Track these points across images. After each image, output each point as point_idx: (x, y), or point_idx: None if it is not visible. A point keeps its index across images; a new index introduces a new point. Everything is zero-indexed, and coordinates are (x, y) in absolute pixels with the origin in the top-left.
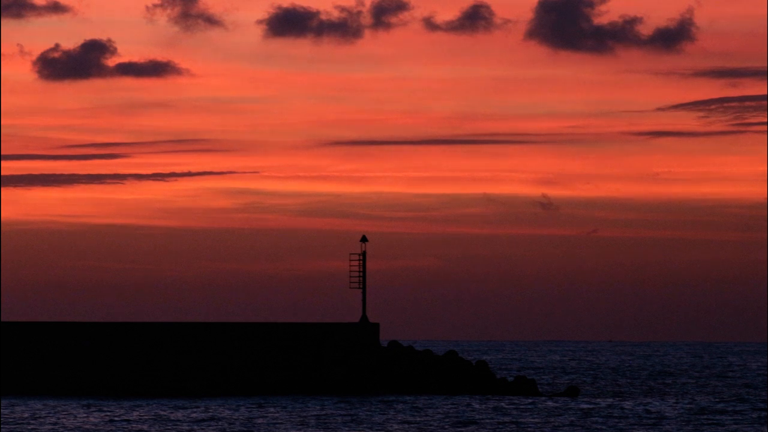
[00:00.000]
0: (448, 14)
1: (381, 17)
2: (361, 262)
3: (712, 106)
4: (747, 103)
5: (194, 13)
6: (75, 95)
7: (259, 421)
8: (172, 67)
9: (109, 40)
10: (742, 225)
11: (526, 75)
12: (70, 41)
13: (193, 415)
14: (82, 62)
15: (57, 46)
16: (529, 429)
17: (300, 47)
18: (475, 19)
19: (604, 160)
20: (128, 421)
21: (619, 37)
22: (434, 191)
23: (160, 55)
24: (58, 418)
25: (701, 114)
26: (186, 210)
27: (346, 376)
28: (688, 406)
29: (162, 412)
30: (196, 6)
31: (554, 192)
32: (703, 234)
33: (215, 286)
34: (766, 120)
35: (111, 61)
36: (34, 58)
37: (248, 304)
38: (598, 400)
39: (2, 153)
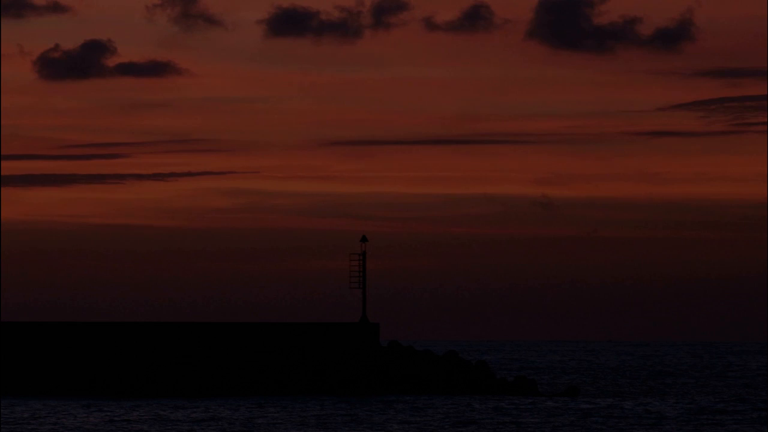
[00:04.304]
0: (448, 14)
1: (381, 17)
2: (361, 262)
3: (712, 106)
4: (747, 103)
5: (194, 13)
6: (75, 95)
7: (259, 421)
8: (172, 67)
9: (109, 40)
10: (742, 225)
11: (526, 75)
12: (70, 41)
13: (193, 415)
14: (82, 62)
15: (57, 46)
16: (529, 429)
17: (300, 47)
18: (475, 19)
19: (604, 160)
20: (128, 421)
21: (619, 37)
22: (434, 191)
23: (160, 55)
24: (58, 418)
25: (701, 114)
26: (186, 210)
27: (346, 376)
28: (688, 406)
29: (162, 412)
30: (196, 6)
31: (554, 192)
32: (703, 234)
33: (215, 286)
34: (766, 120)
35: (111, 61)
36: (34, 58)
37: (248, 304)
38: (598, 400)
39: (2, 153)
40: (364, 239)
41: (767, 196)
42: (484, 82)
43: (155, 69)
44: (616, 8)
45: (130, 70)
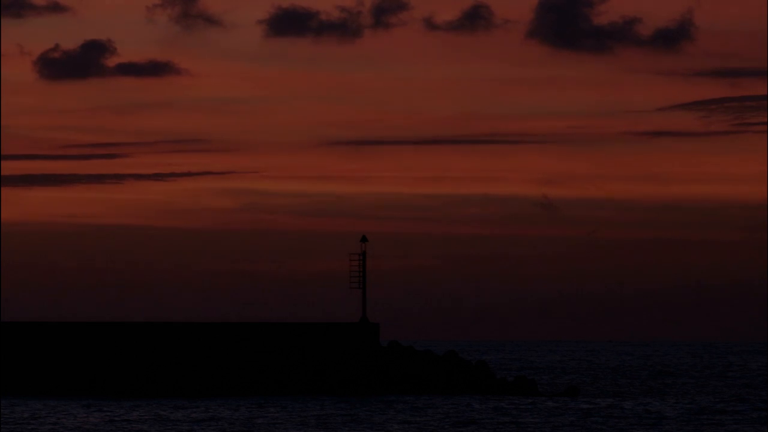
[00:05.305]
0: (448, 14)
1: (381, 17)
2: (361, 262)
3: (712, 106)
4: (747, 103)
5: (194, 13)
6: (75, 95)
7: (259, 421)
8: (172, 67)
9: (109, 40)
10: (742, 225)
11: (526, 75)
12: (70, 41)
13: (193, 415)
14: (82, 62)
15: (57, 46)
16: (529, 429)
17: (300, 47)
18: (475, 19)
19: (604, 160)
20: (128, 421)
21: (619, 37)
22: (434, 191)
23: (160, 55)
24: (58, 418)
25: (701, 114)
26: (186, 210)
27: (346, 376)
28: (688, 406)
29: (162, 412)
30: (196, 6)
31: (554, 192)
32: (703, 234)
33: (215, 286)
34: (766, 120)
35: (111, 61)
36: (34, 58)
37: (248, 304)
38: (598, 400)
39: (2, 153)
40: (364, 239)
41: (767, 196)
42: (484, 82)
43: (155, 69)
44: (616, 8)
45: (130, 70)
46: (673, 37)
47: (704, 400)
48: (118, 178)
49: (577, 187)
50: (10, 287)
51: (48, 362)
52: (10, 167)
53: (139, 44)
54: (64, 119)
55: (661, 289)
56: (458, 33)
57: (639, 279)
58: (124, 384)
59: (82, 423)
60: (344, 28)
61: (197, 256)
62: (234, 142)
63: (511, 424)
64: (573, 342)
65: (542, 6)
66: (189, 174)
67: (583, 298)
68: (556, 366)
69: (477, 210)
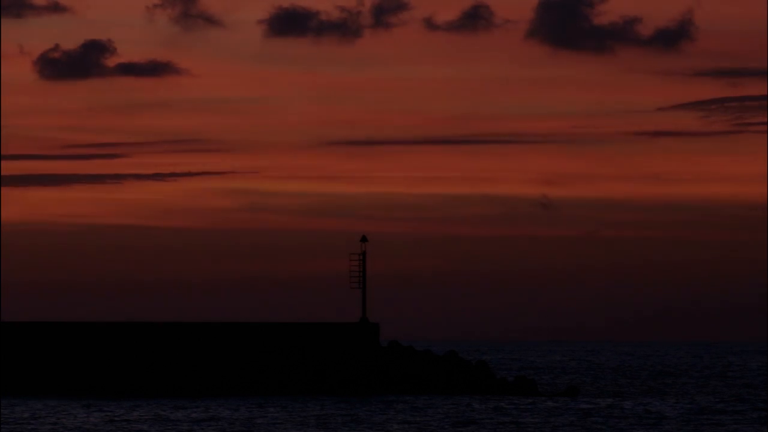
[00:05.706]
0: (448, 14)
1: (381, 17)
2: (361, 262)
3: (712, 106)
4: (747, 103)
5: (194, 13)
6: (75, 95)
7: (259, 421)
8: (172, 67)
9: (109, 40)
10: (742, 225)
11: (526, 75)
12: (70, 41)
13: (193, 415)
14: (82, 62)
15: (57, 46)
16: (529, 429)
17: (300, 47)
18: (475, 19)
19: (604, 160)
20: (128, 421)
21: (619, 37)
22: (434, 191)
23: (160, 55)
24: (58, 418)
25: (701, 114)
26: (186, 210)
27: (346, 376)
28: (688, 406)
29: (162, 412)
30: (196, 6)
31: (554, 192)
32: (703, 234)
33: (215, 286)
34: (766, 120)
35: (111, 61)
36: (34, 58)
37: (248, 304)
38: (598, 400)
39: (2, 153)
40: (364, 239)
41: (767, 196)
42: (484, 82)
43: (155, 69)
44: (616, 8)
45: (130, 70)
46: (673, 37)
47: (704, 400)
48: (118, 178)
49: (577, 187)
50: (10, 287)
51: (48, 362)
52: (10, 167)
53: (139, 44)
54: (64, 119)
55: (661, 289)
56: (458, 33)
57: (639, 279)
58: (124, 384)
59: (82, 423)
60: (344, 28)
61: (197, 256)
62: (234, 142)
63: (511, 424)
64: (573, 342)
65: (542, 6)
66: (189, 174)
67: (583, 298)
68: (556, 366)
69: (477, 210)
